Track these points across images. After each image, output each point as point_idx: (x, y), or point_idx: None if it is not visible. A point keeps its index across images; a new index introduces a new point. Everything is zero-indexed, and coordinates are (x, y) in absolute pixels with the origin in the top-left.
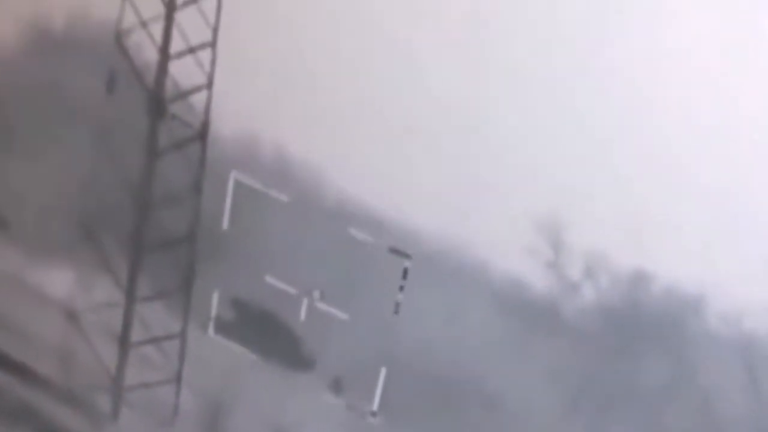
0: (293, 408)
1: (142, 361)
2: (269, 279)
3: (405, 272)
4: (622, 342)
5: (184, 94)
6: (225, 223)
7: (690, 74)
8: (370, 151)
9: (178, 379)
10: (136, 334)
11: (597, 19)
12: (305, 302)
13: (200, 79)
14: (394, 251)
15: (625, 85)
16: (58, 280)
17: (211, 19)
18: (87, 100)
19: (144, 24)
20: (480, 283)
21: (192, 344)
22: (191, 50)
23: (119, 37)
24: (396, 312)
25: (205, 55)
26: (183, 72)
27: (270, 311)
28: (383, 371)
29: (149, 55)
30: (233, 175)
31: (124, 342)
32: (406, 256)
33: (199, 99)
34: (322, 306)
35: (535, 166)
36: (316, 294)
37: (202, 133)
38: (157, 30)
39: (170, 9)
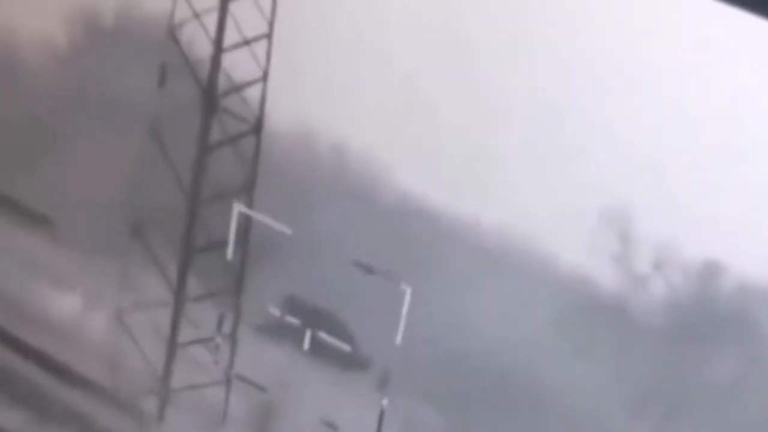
0: (344, 409)
1: (191, 361)
2: (272, 310)
3: (407, 300)
4: (693, 338)
5: (237, 88)
6: (229, 254)
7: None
8: (431, 146)
9: (227, 380)
10: (185, 335)
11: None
12: (308, 333)
13: (255, 72)
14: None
15: (692, 72)
16: (105, 281)
17: (267, 10)
18: (138, 94)
19: (197, 16)
20: (544, 278)
21: (242, 345)
22: (246, 42)
23: (171, 30)
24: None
25: (260, 47)
26: (237, 65)
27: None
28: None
29: (202, 48)
30: (236, 207)
31: (172, 342)
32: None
33: (253, 93)
34: (324, 337)
35: (602, 154)
36: (316, 324)
37: (257, 128)
38: (211, 22)
39: (225, 0)
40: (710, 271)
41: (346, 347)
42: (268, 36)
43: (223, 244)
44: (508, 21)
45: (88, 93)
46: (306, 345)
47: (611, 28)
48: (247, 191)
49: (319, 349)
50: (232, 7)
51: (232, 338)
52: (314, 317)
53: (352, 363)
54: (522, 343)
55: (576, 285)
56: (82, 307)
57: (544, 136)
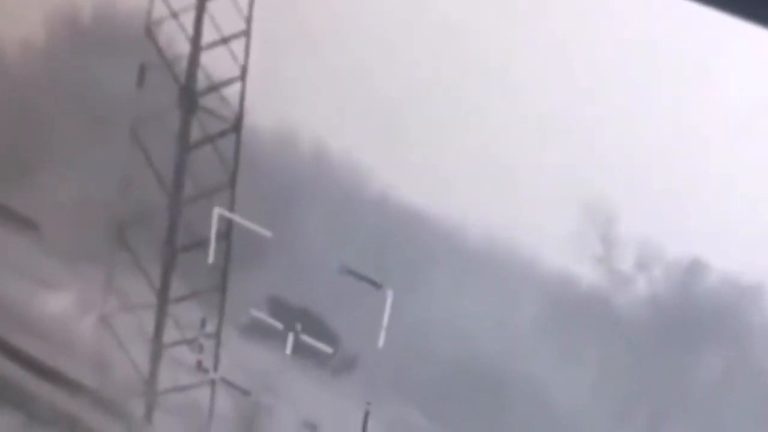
0: (329, 410)
1: (176, 363)
2: (254, 312)
3: (389, 302)
4: (677, 335)
5: (216, 86)
6: (210, 257)
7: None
8: (412, 145)
9: (212, 381)
10: (169, 336)
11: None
12: (291, 335)
13: (233, 70)
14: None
15: (673, 74)
16: (90, 284)
17: (244, 7)
18: (117, 95)
19: (175, 14)
20: (527, 278)
21: (226, 346)
22: (224, 40)
23: (149, 29)
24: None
25: (238, 45)
26: (215, 63)
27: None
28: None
29: (180, 46)
30: (216, 210)
31: (157, 344)
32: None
33: (232, 91)
34: (307, 340)
35: (584, 154)
36: (299, 327)
37: (236, 126)
38: (189, 20)
39: None
40: (693, 269)
41: (329, 349)
42: (246, 33)
43: (206, 244)
44: (492, 14)
45: (66, 94)
46: (289, 347)
47: (594, 31)
48: (229, 190)
49: (301, 350)
50: (210, 5)
51: (216, 339)
52: (297, 319)
53: (335, 365)
54: (506, 344)
55: (560, 285)
56: (67, 310)
57: (527, 136)
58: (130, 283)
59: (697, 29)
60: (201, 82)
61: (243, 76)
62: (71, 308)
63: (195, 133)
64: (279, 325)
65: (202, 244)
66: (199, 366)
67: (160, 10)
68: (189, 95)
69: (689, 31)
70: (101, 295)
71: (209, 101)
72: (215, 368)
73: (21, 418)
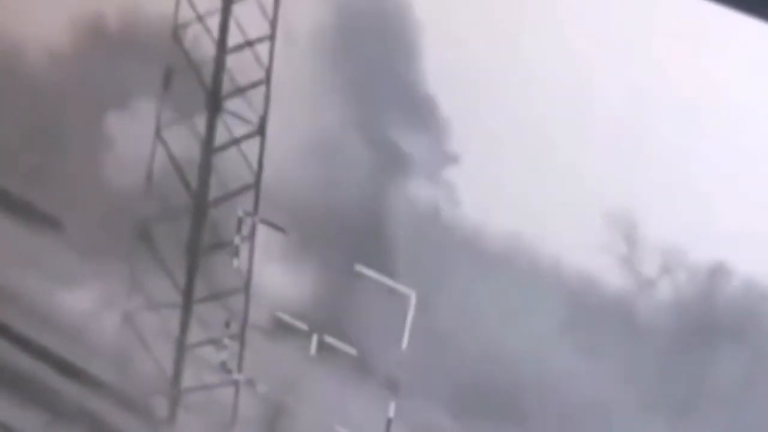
0: (353, 412)
1: (200, 362)
2: (278, 313)
3: (412, 304)
4: (700, 339)
5: (242, 89)
6: (234, 258)
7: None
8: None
9: (236, 381)
10: (194, 336)
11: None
12: (315, 336)
13: (258, 73)
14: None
15: (697, 75)
16: (114, 283)
17: (270, 11)
18: (143, 97)
19: (200, 18)
20: (552, 281)
21: (250, 347)
22: (249, 44)
23: (175, 33)
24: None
25: (263, 48)
26: (241, 66)
27: None
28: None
29: (206, 50)
30: (240, 211)
31: (181, 344)
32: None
33: (257, 94)
34: (331, 341)
35: (607, 156)
36: (323, 328)
37: (261, 129)
38: (214, 24)
39: (227, 2)
40: (717, 273)
41: (353, 351)
42: (271, 37)
43: (230, 245)
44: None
45: (92, 96)
46: (313, 348)
47: (615, 30)
48: (253, 192)
49: (325, 352)
50: (235, 9)
51: (240, 340)
52: (321, 320)
53: (359, 367)
54: (529, 346)
55: (583, 288)
56: (92, 309)
57: (550, 138)
58: (154, 282)
59: (702, 24)
60: (226, 85)
61: (268, 79)
62: (94, 306)
63: (220, 135)
64: (303, 326)
65: (227, 244)
66: (223, 366)
67: (186, 14)
68: (215, 98)
69: (701, 31)
70: (125, 293)
71: (234, 104)
72: (239, 369)
73: (44, 415)
